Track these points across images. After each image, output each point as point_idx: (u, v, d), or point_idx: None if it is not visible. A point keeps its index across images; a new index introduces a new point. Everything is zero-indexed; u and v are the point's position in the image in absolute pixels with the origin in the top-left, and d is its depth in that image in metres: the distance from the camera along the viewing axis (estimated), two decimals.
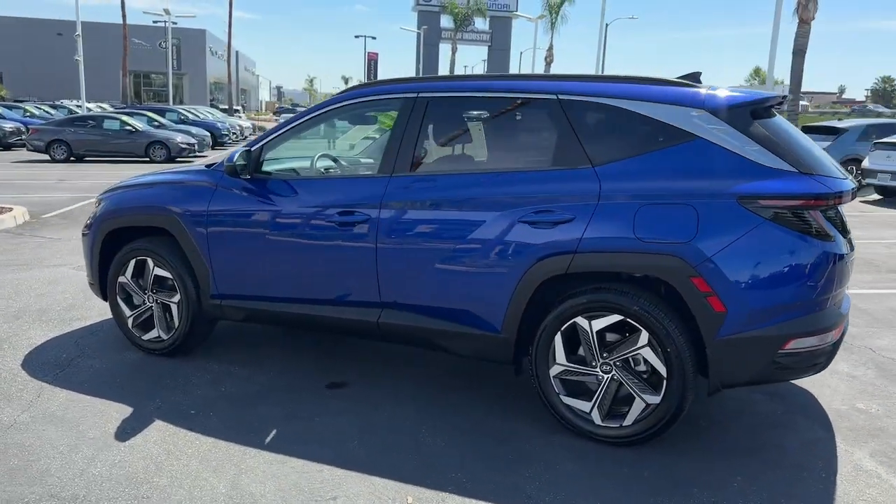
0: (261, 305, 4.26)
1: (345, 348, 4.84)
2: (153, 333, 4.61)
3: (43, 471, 3.18)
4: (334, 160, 4.84)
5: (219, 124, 30.68)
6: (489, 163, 3.87)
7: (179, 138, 21.93)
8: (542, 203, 3.47)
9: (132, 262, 4.58)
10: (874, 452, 3.50)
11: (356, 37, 50.26)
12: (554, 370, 3.53)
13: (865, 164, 14.58)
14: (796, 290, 3.16)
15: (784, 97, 3.69)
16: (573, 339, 3.51)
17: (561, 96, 3.60)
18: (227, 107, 46.82)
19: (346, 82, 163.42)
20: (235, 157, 4.10)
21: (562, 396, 3.55)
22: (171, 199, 4.43)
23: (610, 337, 3.44)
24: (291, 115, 4.33)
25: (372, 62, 51.91)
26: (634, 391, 3.37)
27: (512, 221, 3.52)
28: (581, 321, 3.43)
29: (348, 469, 3.23)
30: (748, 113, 3.33)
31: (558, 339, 3.50)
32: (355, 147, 5.99)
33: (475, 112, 3.98)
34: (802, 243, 3.14)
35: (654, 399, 3.34)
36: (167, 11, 45.46)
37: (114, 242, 4.70)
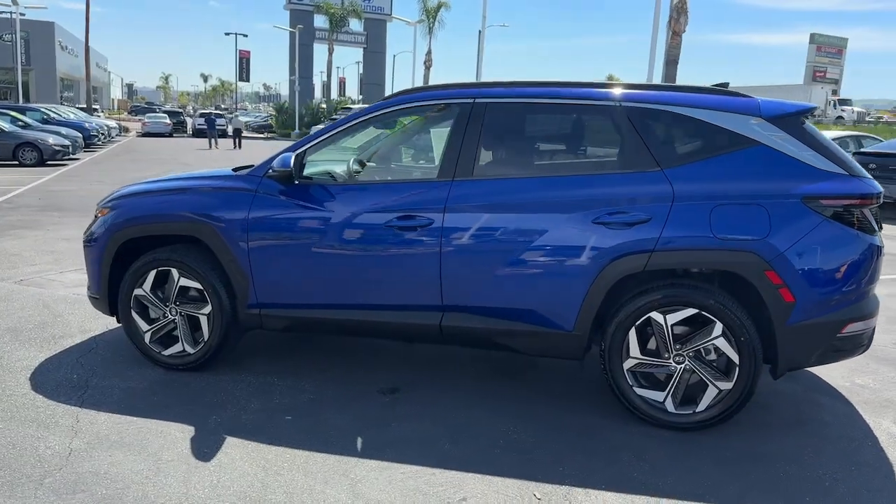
0: (308, 313, 4.16)
1: (372, 355, 4.80)
2: (176, 348, 4.36)
3: (140, 497, 2.98)
4: (361, 164, 4.78)
5: (86, 124, 28.68)
6: (553, 167, 4.00)
7: (52, 140, 20.33)
8: (614, 205, 3.65)
9: (152, 274, 4.32)
10: None
11: (226, 34, 48.43)
12: (627, 364, 3.72)
13: None
14: (851, 279, 3.53)
15: (815, 108, 4.08)
16: (645, 333, 3.71)
17: (624, 103, 3.80)
18: (84, 105, 43.75)
19: (206, 80, 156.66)
20: (283, 163, 3.98)
21: (635, 388, 3.74)
22: (205, 206, 4.22)
23: (679, 329, 3.67)
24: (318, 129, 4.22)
25: (244, 60, 50.29)
26: (708, 379, 3.63)
27: (585, 223, 3.67)
28: (656, 316, 3.64)
29: (458, 470, 3.26)
30: (798, 121, 3.68)
31: (632, 334, 3.69)
32: (361, 149, 5.90)
33: (535, 117, 4.10)
34: (856, 238, 3.52)
35: (727, 385, 3.61)
36: (14, 1, 41.79)
37: (127, 253, 4.40)
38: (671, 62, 23.34)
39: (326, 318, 4.14)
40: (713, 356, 3.66)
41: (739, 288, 3.61)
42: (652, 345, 3.72)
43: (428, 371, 4.53)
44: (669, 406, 3.70)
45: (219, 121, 36.42)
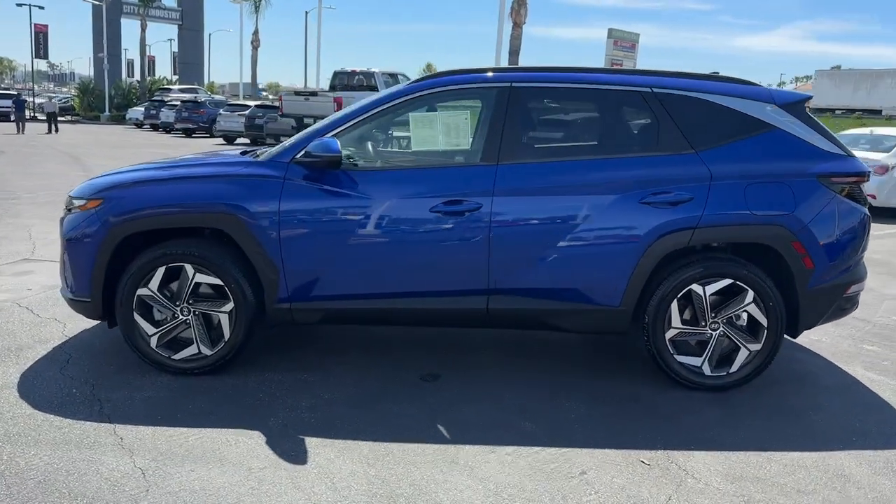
0: (346, 304, 4.00)
1: (387, 343, 4.71)
2: (190, 350, 4.01)
3: None
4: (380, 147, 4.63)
5: None
6: (593, 150, 4.14)
7: None
8: (657, 185, 3.89)
9: (160, 271, 3.93)
10: None
11: (18, 5, 43.04)
12: (669, 334, 3.99)
13: None
14: (854, 246, 4.05)
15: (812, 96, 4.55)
16: (683, 305, 4.00)
17: (655, 89, 4.04)
18: None
19: None
20: (326, 148, 3.79)
21: (676, 356, 4.02)
22: (229, 196, 3.91)
23: (714, 299, 3.99)
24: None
25: (41, 35, 45.13)
26: (740, 342, 3.99)
27: (631, 203, 3.87)
28: (696, 287, 3.93)
29: (557, 447, 3.35)
30: (803, 107, 4.13)
31: (674, 305, 3.96)
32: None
33: (571, 102, 4.21)
34: (857, 210, 4.04)
35: (756, 346, 3.99)
36: None
37: (122, 250, 3.97)
38: (514, 52, 24.37)
39: (366, 308, 4.02)
40: (743, 321, 4.02)
41: (767, 258, 3.99)
42: (687, 315, 4.01)
43: (455, 355, 4.53)
44: (706, 370, 4.02)
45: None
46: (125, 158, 16.86)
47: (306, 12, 40.04)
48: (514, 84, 4.04)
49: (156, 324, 4.02)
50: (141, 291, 3.96)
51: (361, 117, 4.05)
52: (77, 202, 4.10)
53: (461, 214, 3.87)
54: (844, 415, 3.85)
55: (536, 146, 4.07)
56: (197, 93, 39.03)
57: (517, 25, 24.04)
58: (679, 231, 3.86)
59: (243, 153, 4.54)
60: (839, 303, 4.09)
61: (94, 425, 3.42)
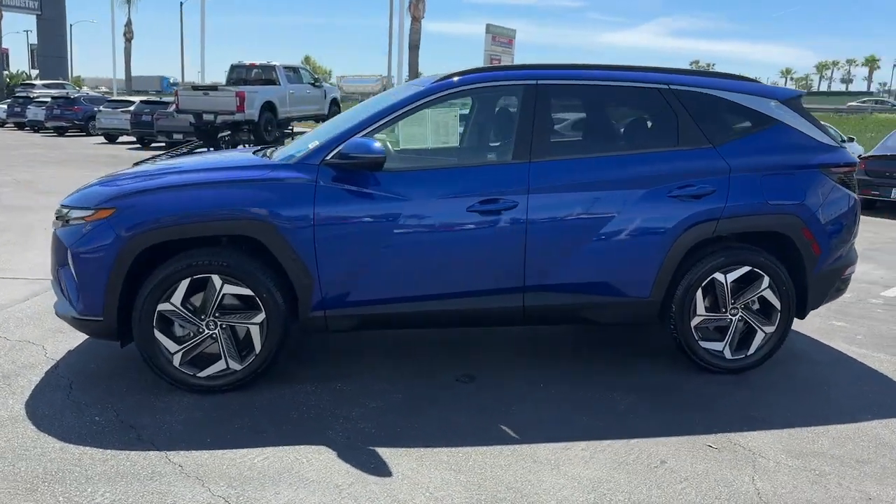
0: (382, 309, 3.90)
1: (407, 346, 4.62)
2: (217, 366, 3.78)
3: None
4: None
5: None
6: (619, 145, 4.22)
7: None
8: (682, 179, 4.04)
9: (185, 283, 3.67)
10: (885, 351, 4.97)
11: None
12: (695, 321, 4.16)
13: None
14: (850, 231, 4.38)
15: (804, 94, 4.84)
16: (706, 292, 4.18)
17: (672, 86, 4.19)
18: None
19: None
20: (365, 148, 3.66)
21: (700, 343, 4.20)
22: (260, 202, 3.70)
23: (733, 286, 4.19)
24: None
25: None
26: (757, 325, 4.22)
27: (659, 197, 4.01)
28: (718, 276, 4.12)
29: (624, 438, 3.43)
30: (800, 103, 4.41)
31: (699, 294, 4.14)
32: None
33: (595, 99, 4.26)
34: (852, 198, 4.37)
35: (771, 329, 4.24)
36: None
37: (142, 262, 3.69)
38: (413, 47, 24.35)
39: (403, 312, 3.93)
40: (758, 306, 4.26)
41: (778, 245, 4.23)
42: (709, 302, 4.19)
43: (481, 355, 4.51)
44: (727, 353, 4.23)
45: None
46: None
47: (181, 3, 38.03)
48: (539, 81, 4.06)
49: (178, 340, 3.75)
50: (162, 307, 3.68)
51: (391, 116, 3.94)
52: (79, 212, 3.75)
53: (497, 213, 3.86)
54: (854, 387, 4.16)
55: (565, 143, 4.12)
56: (64, 88, 36.35)
57: (416, 20, 24.04)
58: (704, 222, 4.03)
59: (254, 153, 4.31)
60: (838, 284, 4.41)
61: (141, 454, 3.16)
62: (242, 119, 18.13)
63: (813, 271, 4.23)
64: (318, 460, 3.14)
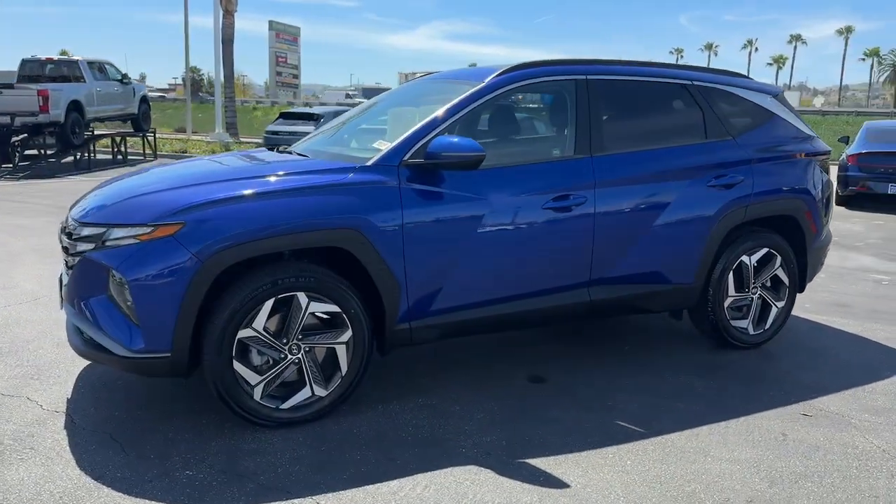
0: (463, 315, 3.71)
1: (460, 351, 4.42)
2: (302, 395, 3.37)
3: None
4: None
5: None
6: (660, 138, 4.33)
7: None
8: (717, 169, 4.30)
9: (268, 304, 3.23)
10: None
11: None
12: (727, 302, 4.45)
13: None
14: (830, 210, 4.93)
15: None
16: (735, 274, 4.48)
17: (695, 82, 4.43)
18: None
19: None
20: (435, 149, 3.44)
21: (731, 321, 4.50)
22: (349, 209, 3.34)
23: (754, 267, 4.53)
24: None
25: None
26: (772, 301, 4.62)
27: (701, 187, 4.23)
28: (745, 258, 4.45)
29: (731, 418, 3.58)
30: (784, 97, 4.88)
31: (731, 276, 4.43)
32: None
33: (635, 94, 4.33)
34: (830, 182, 4.92)
35: (782, 304, 4.66)
36: None
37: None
38: (227, 42, 23.06)
39: (482, 317, 3.76)
40: (769, 283, 4.65)
41: (785, 226, 4.64)
42: (734, 283, 4.50)
43: (534, 355, 4.45)
44: (751, 329, 4.58)
45: None
46: None
47: None
48: (588, 77, 4.09)
49: (257, 370, 3.29)
50: (243, 333, 3.20)
51: (460, 114, 3.74)
52: (125, 230, 3.13)
53: (569, 209, 3.84)
54: (857, 352, 4.67)
55: (617, 137, 4.15)
56: None
57: (229, 13, 22.71)
58: (737, 210, 4.32)
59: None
60: (822, 259, 4.95)
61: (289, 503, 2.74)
62: (46, 121, 16.02)
63: (812, 248, 4.71)
64: (483, 481, 2.93)
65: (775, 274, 4.60)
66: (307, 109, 19.91)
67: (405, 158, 3.52)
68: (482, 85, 3.85)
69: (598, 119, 4.03)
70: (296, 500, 2.76)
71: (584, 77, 4.07)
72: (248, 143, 22.38)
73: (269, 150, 4.64)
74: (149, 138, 20.24)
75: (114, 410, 3.53)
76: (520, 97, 4.12)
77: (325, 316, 3.37)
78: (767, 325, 4.63)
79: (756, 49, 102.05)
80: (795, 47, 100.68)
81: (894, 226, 10.35)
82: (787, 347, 4.68)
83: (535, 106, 4.15)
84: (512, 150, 4.15)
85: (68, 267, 3.43)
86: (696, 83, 4.43)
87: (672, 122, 4.48)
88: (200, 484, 2.87)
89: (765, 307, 4.62)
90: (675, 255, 4.21)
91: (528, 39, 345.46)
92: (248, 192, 3.29)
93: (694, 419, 3.56)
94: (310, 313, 3.32)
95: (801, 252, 4.70)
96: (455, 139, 3.48)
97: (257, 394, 3.28)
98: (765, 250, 4.50)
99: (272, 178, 3.50)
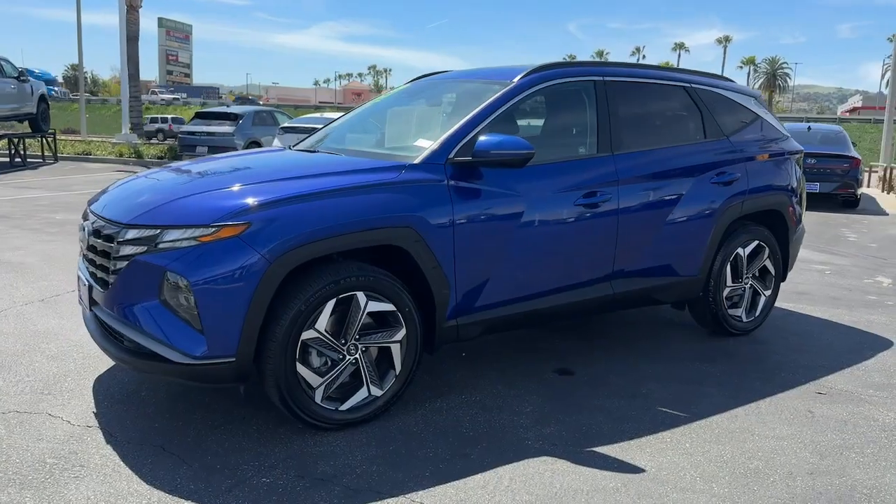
0: (502, 311, 3.76)
1: (488, 348, 4.45)
2: (359, 395, 3.34)
3: None
4: None
5: None
6: (668, 138, 4.52)
7: None
8: (717, 167, 4.56)
9: (330, 305, 3.18)
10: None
11: None
12: (725, 292, 4.72)
13: (277, 144, 16.78)
14: (803, 205, 5.31)
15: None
16: (731, 266, 4.76)
17: (693, 85, 4.68)
18: None
19: None
20: (484, 146, 3.49)
21: (728, 310, 4.78)
22: (405, 207, 3.33)
23: (747, 259, 4.83)
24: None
25: None
26: (762, 292, 4.93)
27: (707, 184, 4.47)
28: (740, 251, 4.73)
29: (754, 401, 3.81)
30: (763, 100, 5.22)
31: (728, 268, 4.70)
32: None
33: (644, 95, 4.50)
34: (803, 177, 5.30)
35: (769, 292, 4.99)
36: None
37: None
38: (132, 39, 22.03)
39: (520, 313, 3.83)
40: (757, 274, 4.96)
41: (769, 220, 4.96)
42: (731, 274, 4.78)
43: (554, 348, 4.54)
44: (744, 317, 4.87)
45: None
46: None
47: None
48: (605, 78, 4.24)
49: (317, 372, 3.22)
50: (307, 335, 3.13)
51: (497, 113, 3.79)
52: (181, 232, 3.00)
53: (597, 206, 3.98)
54: (836, 335, 5.06)
55: (632, 136, 4.31)
56: None
57: (133, 9, 21.68)
58: (735, 205, 4.59)
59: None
60: (798, 250, 5.33)
61: (388, 502, 2.71)
62: None
63: (791, 239, 5.06)
64: (563, 470, 2.99)
65: (763, 265, 4.91)
66: (225, 109, 19.23)
67: (450, 156, 3.54)
68: (513, 84, 3.92)
69: (616, 119, 4.18)
70: (390, 500, 2.73)
71: (601, 78, 4.21)
72: (155, 145, 21.44)
73: (286, 148, 4.52)
74: (48, 140, 19.08)
75: (152, 422, 3.36)
76: (542, 97, 4.18)
77: (377, 315, 3.34)
78: (758, 313, 4.94)
79: (644, 56, 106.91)
80: (679, 55, 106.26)
81: (815, 220, 11.21)
82: (774, 334, 5.00)
83: (562, 105, 4.23)
84: (542, 148, 4.23)
85: (100, 270, 3.25)
86: (694, 86, 4.68)
87: (677, 122, 4.70)
88: (284, 490, 2.79)
89: (755, 296, 4.93)
90: (684, 249, 4.43)
91: (423, 43, 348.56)
92: (307, 191, 3.21)
93: (726, 402, 3.76)
94: (373, 312, 3.29)
95: (785, 244, 5.04)
96: (503, 137, 3.53)
97: (318, 396, 3.21)
98: (756, 243, 4.81)
99: (323, 178, 3.42)
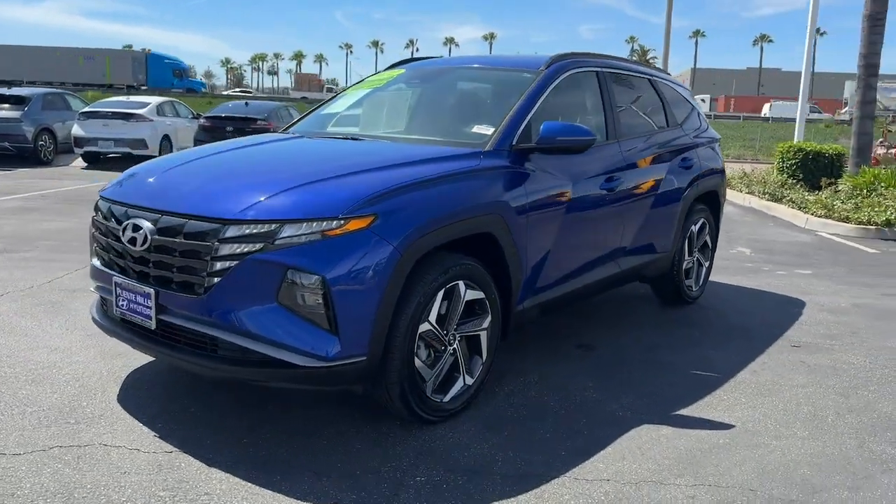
0: (553, 293, 3.91)
1: None
2: (458, 385, 3.31)
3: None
4: None
5: None
6: (643, 127, 4.86)
7: None
8: (681, 153, 5.07)
9: (439, 296, 3.13)
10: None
11: None
12: (685, 264, 5.26)
13: (78, 132, 14.99)
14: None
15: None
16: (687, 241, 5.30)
17: (653, 77, 5.14)
18: None
19: None
20: (549, 133, 3.60)
21: (686, 282, 5.32)
22: (494, 194, 3.37)
23: (697, 235, 5.40)
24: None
25: None
26: (703, 263, 5.56)
27: (677, 168, 4.95)
28: (693, 228, 5.29)
29: (754, 358, 4.35)
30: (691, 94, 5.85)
31: (686, 242, 5.25)
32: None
33: (626, 86, 4.79)
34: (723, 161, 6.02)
35: (708, 263, 5.63)
36: None
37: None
38: None
39: (566, 292, 4.00)
40: (699, 248, 5.57)
41: (708, 200, 5.57)
42: (687, 248, 5.32)
43: (556, 326, 4.72)
44: (693, 287, 5.46)
45: None
46: None
47: None
48: (603, 69, 4.52)
49: (428, 364, 3.16)
50: (423, 328, 3.05)
51: (540, 101, 3.87)
52: (304, 225, 2.77)
53: (614, 190, 4.26)
54: (768, 299, 5.80)
55: (622, 124, 4.60)
56: None
57: None
58: (693, 187, 5.13)
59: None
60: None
61: (546, 476, 2.76)
62: None
63: (720, 216, 5.76)
64: (668, 435, 3.21)
65: (705, 240, 5.54)
66: (5, 90, 16.25)
67: (514, 143, 3.60)
68: (545, 73, 4.04)
69: (613, 108, 4.48)
70: (556, 481, 2.78)
71: (601, 69, 4.48)
72: None
73: (295, 136, 4.20)
74: None
75: (240, 436, 3.05)
76: (565, 86, 4.34)
77: (479, 300, 3.34)
78: (701, 282, 5.56)
79: (418, 49, 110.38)
80: (450, 49, 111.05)
81: None
82: (715, 301, 5.65)
83: (576, 94, 4.41)
84: None
85: (183, 273, 2.87)
86: (654, 78, 5.13)
87: (651, 112, 5.11)
88: (448, 486, 2.72)
89: (699, 267, 5.54)
90: (663, 228, 4.87)
91: (181, 23, 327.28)
92: (412, 180, 3.08)
93: (739, 361, 4.22)
94: (469, 301, 3.27)
95: (718, 220, 5.71)
96: (566, 125, 3.66)
97: (429, 389, 3.14)
98: (702, 220, 5.40)
99: (413, 167, 3.26)
